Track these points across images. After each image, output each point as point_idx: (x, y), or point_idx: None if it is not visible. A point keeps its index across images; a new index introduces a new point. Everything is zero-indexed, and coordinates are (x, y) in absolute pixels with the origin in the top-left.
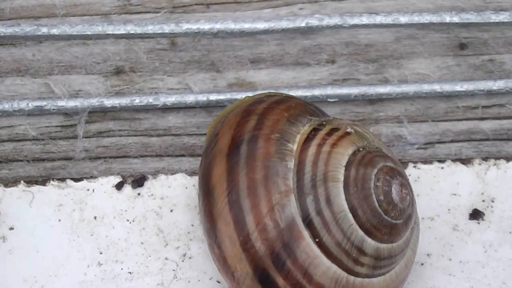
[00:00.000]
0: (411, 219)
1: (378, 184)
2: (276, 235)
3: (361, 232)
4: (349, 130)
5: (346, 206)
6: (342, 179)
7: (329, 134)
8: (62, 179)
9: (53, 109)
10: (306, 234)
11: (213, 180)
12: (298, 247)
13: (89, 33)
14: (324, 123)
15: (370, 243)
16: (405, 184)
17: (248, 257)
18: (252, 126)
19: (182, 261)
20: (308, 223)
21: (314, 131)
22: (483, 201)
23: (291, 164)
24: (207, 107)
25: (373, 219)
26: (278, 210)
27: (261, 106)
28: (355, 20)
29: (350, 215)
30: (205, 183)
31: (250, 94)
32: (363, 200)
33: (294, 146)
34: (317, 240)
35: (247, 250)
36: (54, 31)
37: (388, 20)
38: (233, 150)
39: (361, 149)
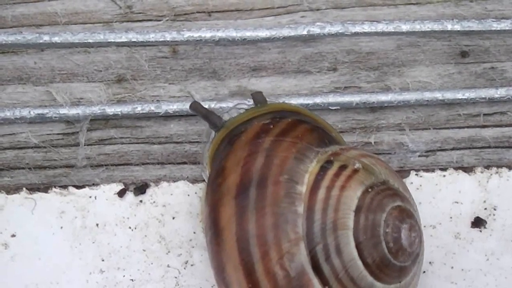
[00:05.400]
0: (419, 255)
1: (387, 230)
2: (286, 284)
3: (370, 278)
4: (356, 166)
5: (356, 254)
6: (352, 226)
7: (337, 174)
8: (64, 186)
9: (55, 117)
10: (315, 281)
11: (222, 222)
12: None
13: (91, 41)
14: (332, 158)
15: (379, 287)
16: (414, 226)
17: None
18: (261, 165)
19: (184, 268)
20: (318, 271)
21: (323, 170)
22: (485, 209)
23: (301, 209)
24: None
25: (382, 265)
26: (288, 259)
27: (268, 139)
28: (357, 28)
29: (359, 263)
30: (214, 222)
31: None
32: (372, 248)
33: (303, 188)
34: (326, 287)
35: None
36: (56, 39)
37: (390, 28)
38: (242, 192)
39: (369, 189)
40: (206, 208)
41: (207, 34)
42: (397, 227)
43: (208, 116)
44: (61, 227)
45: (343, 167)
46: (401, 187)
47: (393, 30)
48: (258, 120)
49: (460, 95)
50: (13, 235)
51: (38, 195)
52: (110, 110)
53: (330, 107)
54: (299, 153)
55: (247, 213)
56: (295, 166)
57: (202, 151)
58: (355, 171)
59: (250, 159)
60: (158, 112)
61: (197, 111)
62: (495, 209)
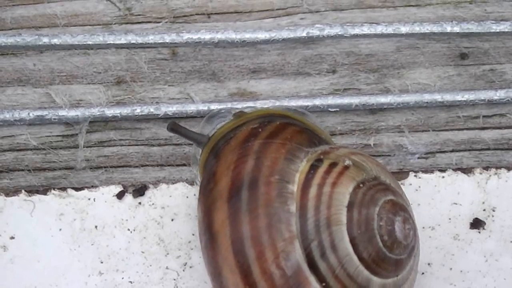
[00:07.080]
0: (414, 249)
1: (381, 224)
2: (283, 283)
3: (366, 273)
4: (347, 163)
5: (351, 250)
6: (345, 222)
7: (328, 171)
8: (63, 189)
9: (54, 119)
10: (312, 279)
11: (215, 226)
12: None
13: (90, 43)
14: (321, 157)
15: (376, 282)
16: (408, 219)
17: None
18: (251, 168)
19: (183, 270)
20: (314, 268)
21: (313, 168)
22: (484, 210)
23: (293, 208)
24: None
25: (378, 259)
26: (284, 258)
27: (257, 142)
28: (356, 30)
29: (355, 258)
30: (208, 227)
31: (249, 104)
32: (367, 242)
33: (295, 187)
34: (323, 284)
35: None
36: (55, 41)
37: (389, 30)
38: (234, 195)
39: (361, 185)
40: (199, 214)
41: (206, 36)
42: (391, 220)
43: (188, 135)
44: (60, 229)
45: (333, 165)
46: (392, 183)
47: (392, 32)
48: (247, 125)
49: (459, 97)
50: (12, 237)
51: (37, 197)
52: (110, 112)
53: (330, 109)
54: (288, 153)
55: (240, 216)
56: (286, 166)
57: (193, 171)
58: (346, 167)
59: (240, 163)
60: (158, 114)
61: (176, 131)
62: (494, 210)
